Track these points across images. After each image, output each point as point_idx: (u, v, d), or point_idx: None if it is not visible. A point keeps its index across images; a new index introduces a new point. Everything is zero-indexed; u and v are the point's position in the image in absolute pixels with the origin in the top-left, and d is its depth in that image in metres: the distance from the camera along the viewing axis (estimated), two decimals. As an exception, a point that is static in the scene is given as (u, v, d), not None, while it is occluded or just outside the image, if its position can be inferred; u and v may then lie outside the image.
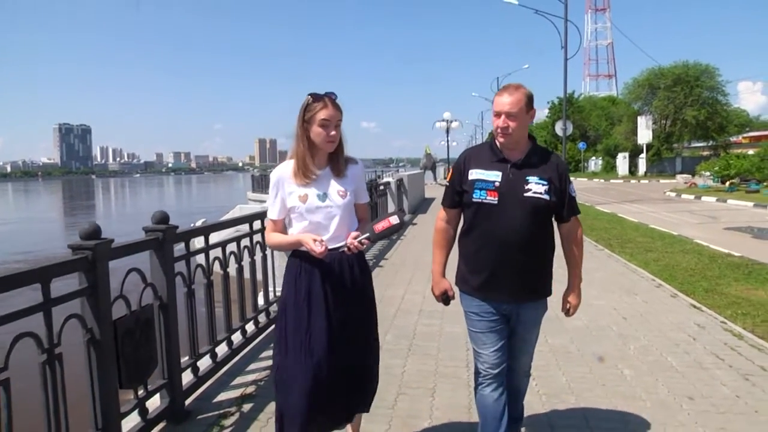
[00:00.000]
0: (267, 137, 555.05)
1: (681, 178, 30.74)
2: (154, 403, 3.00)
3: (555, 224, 2.51)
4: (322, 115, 2.28)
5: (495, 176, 2.36)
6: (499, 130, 2.35)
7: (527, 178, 2.34)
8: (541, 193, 2.33)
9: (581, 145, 46.59)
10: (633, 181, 35.89)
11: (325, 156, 2.39)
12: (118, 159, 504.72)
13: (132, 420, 2.77)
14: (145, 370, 2.79)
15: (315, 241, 2.22)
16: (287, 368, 2.34)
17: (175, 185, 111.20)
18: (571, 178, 2.49)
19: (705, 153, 41.16)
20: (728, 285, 6.51)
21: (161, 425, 2.98)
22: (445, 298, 2.57)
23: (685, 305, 5.64)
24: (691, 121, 38.99)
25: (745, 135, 45.96)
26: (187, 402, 3.22)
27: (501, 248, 2.34)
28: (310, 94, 2.31)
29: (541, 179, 2.35)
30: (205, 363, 3.53)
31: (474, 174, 2.40)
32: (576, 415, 3.17)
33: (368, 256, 8.56)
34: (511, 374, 2.59)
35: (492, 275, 2.39)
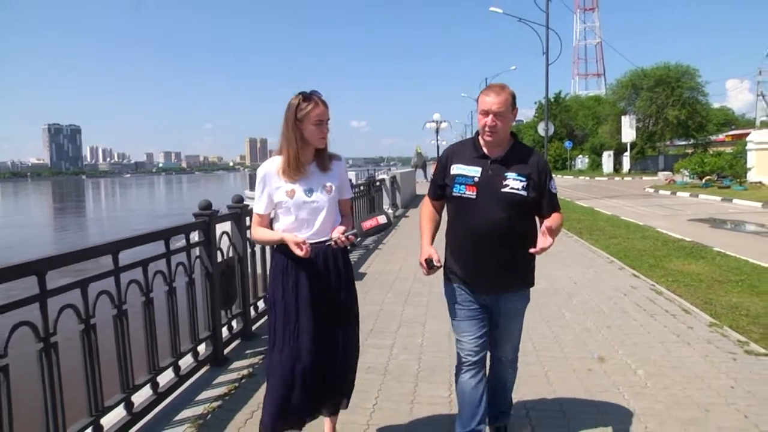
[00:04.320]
0: (257, 137, 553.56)
1: (662, 176, 32.15)
2: (233, 324, 4.31)
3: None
4: (315, 113, 2.32)
5: (475, 172, 2.41)
6: (486, 129, 2.38)
7: (506, 174, 2.39)
8: (518, 189, 2.37)
9: (567, 143, 47.94)
10: (617, 179, 37.32)
11: (311, 152, 2.42)
12: (108, 159, 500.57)
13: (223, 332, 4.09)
14: (231, 300, 4.14)
15: (296, 244, 2.29)
16: (276, 357, 2.43)
17: (165, 185, 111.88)
18: (558, 176, 2.81)
19: (689, 151, 42.21)
20: (670, 261, 7.86)
21: (238, 341, 4.34)
22: (428, 262, 2.41)
23: (627, 275, 7.01)
24: (672, 120, 40.10)
25: (728, 133, 47.14)
26: (254, 327, 4.58)
27: (479, 242, 2.40)
28: (300, 94, 2.35)
29: (519, 175, 2.38)
30: (260, 304, 4.86)
31: (455, 169, 2.45)
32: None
33: (367, 241, 9.87)
34: (496, 365, 2.69)
35: (472, 267, 2.46)
